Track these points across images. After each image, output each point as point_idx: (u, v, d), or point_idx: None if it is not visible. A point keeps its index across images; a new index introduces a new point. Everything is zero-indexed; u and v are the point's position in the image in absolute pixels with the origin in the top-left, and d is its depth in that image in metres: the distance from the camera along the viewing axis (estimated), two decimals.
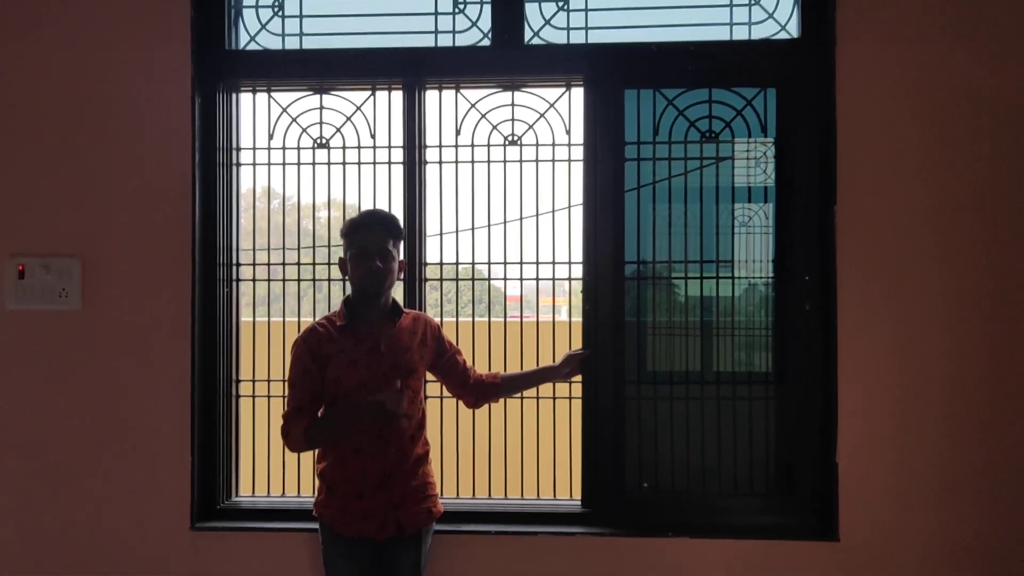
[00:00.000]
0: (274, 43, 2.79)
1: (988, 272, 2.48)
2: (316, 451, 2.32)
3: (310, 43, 2.78)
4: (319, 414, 2.25)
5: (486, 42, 2.71)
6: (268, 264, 2.84)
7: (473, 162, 2.76)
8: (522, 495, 2.81)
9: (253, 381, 2.84)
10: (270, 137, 2.81)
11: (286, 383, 2.26)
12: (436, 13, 2.74)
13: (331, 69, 2.73)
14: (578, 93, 2.70)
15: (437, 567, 2.53)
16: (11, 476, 2.66)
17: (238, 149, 2.82)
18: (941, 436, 2.49)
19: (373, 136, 2.78)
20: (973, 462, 2.48)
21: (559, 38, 2.71)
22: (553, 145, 2.75)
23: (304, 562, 2.58)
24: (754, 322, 2.71)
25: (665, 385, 2.67)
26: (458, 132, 2.76)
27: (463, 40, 2.73)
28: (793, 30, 2.66)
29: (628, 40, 2.67)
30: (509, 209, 2.75)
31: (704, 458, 2.65)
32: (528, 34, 2.70)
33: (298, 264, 2.84)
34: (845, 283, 2.51)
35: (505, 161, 2.77)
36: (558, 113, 2.74)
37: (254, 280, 2.84)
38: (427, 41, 2.74)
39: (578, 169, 2.70)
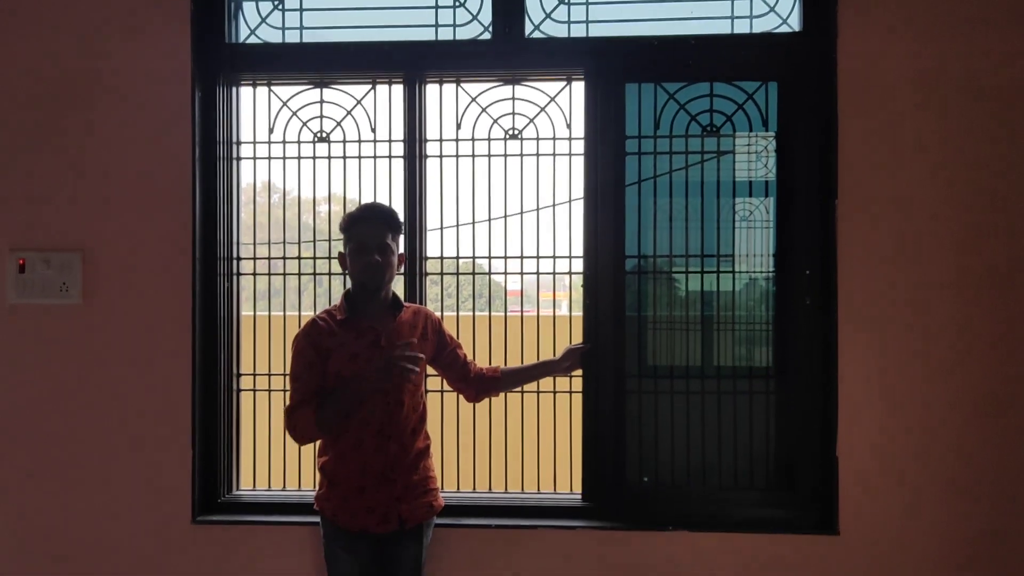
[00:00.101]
0: (274, 36, 2.78)
1: (991, 266, 2.48)
2: (317, 445, 2.33)
3: (310, 36, 2.78)
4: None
5: (487, 36, 2.71)
6: (268, 258, 2.84)
7: (473, 156, 2.76)
8: (523, 489, 2.81)
9: (254, 375, 2.84)
10: (270, 131, 2.81)
11: (288, 377, 2.26)
12: (436, 7, 2.73)
13: (331, 63, 2.73)
14: (579, 87, 2.70)
15: (438, 560, 2.54)
16: (12, 470, 2.66)
17: (238, 143, 2.82)
18: (941, 430, 2.49)
19: (373, 130, 2.78)
20: (974, 457, 2.49)
21: (560, 32, 2.70)
22: (554, 139, 2.75)
23: (305, 555, 2.59)
24: (755, 316, 2.71)
25: (666, 379, 2.67)
26: (458, 126, 2.76)
27: (463, 34, 2.72)
28: (795, 23, 2.65)
29: (629, 34, 2.66)
30: (509, 203, 2.76)
31: (704, 452, 2.66)
32: (529, 28, 2.69)
33: (299, 258, 2.84)
34: (846, 278, 2.51)
35: (506, 155, 2.76)
36: (559, 107, 2.74)
37: (254, 274, 2.84)
38: (427, 35, 2.73)
39: (579, 163, 2.70)
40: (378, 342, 2.24)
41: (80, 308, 2.64)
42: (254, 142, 2.82)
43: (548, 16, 2.70)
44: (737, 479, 2.66)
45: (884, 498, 2.50)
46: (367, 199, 2.72)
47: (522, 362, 2.63)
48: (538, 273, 2.81)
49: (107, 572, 2.65)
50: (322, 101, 2.79)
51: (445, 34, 2.73)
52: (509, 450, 2.77)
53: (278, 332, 2.78)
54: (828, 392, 2.55)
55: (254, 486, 2.83)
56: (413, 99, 2.71)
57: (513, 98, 2.75)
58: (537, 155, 2.75)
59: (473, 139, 2.76)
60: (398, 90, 2.74)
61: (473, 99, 2.75)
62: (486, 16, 2.70)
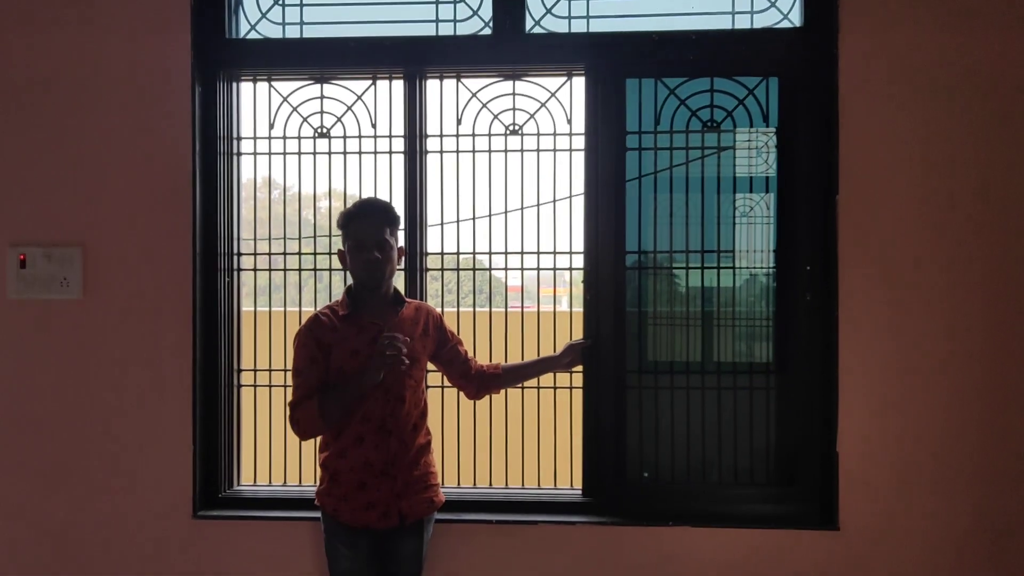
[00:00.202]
0: (275, 32, 2.78)
1: (990, 262, 2.48)
2: (319, 440, 2.33)
3: (311, 32, 2.77)
4: None
5: (487, 31, 2.70)
6: (269, 254, 2.85)
7: (474, 152, 2.76)
8: (523, 484, 2.82)
9: (254, 371, 2.84)
10: (271, 127, 2.81)
11: (292, 372, 2.25)
12: (437, 2, 2.73)
13: (332, 58, 2.72)
14: (579, 82, 2.69)
15: (438, 556, 2.54)
16: (12, 466, 2.67)
17: (239, 139, 2.81)
18: (941, 425, 2.49)
19: (374, 125, 2.78)
20: (973, 451, 2.49)
21: (560, 27, 2.70)
22: (554, 135, 2.75)
23: (306, 550, 2.60)
24: (755, 312, 2.71)
25: (666, 375, 2.67)
26: (459, 122, 2.75)
27: (464, 29, 2.72)
28: (795, 19, 2.65)
29: (630, 29, 2.66)
30: (510, 199, 2.76)
31: (704, 448, 2.66)
32: (529, 23, 2.69)
33: (299, 254, 2.84)
34: (846, 273, 2.51)
35: (506, 151, 2.76)
36: (559, 102, 2.74)
37: (255, 270, 2.84)
38: (428, 30, 2.73)
39: (579, 159, 2.70)
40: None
41: (81, 303, 2.64)
42: (254, 137, 2.81)
43: (548, 11, 2.70)
44: (737, 475, 2.66)
45: (884, 494, 2.51)
46: (367, 195, 2.72)
47: (522, 358, 2.63)
48: (538, 269, 2.81)
49: (108, 567, 2.65)
50: (322, 97, 2.78)
51: (446, 29, 2.73)
52: (509, 446, 2.77)
53: (278, 328, 2.79)
54: (828, 388, 2.55)
55: (255, 481, 2.84)
56: (413, 94, 2.71)
57: (514, 93, 2.75)
58: (537, 150, 2.75)
59: (473, 134, 2.76)
60: (398, 85, 2.74)
61: (473, 94, 2.75)
62: (487, 11, 2.70)
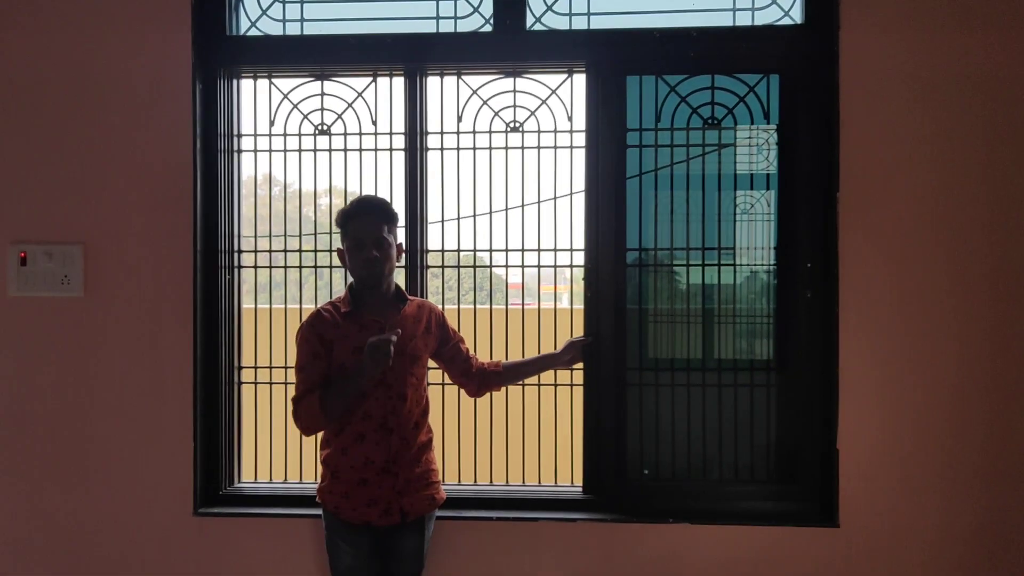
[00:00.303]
0: (275, 29, 2.77)
1: (992, 258, 2.48)
2: (320, 437, 2.33)
3: (311, 29, 2.77)
4: None
5: (488, 28, 2.70)
6: (269, 251, 2.84)
7: (475, 149, 2.76)
8: (524, 481, 2.82)
9: (255, 368, 2.84)
10: (271, 124, 2.80)
11: (295, 368, 2.25)
12: None
13: (332, 55, 2.72)
14: (580, 79, 2.69)
15: (439, 552, 2.55)
16: (13, 463, 2.67)
17: (239, 136, 2.81)
18: (942, 423, 2.49)
19: (374, 122, 2.78)
20: (974, 449, 2.49)
21: (561, 24, 2.69)
22: (555, 132, 2.75)
23: (307, 547, 2.60)
24: (755, 309, 2.71)
25: (666, 372, 2.67)
26: (459, 119, 2.75)
27: (464, 26, 2.72)
28: (796, 16, 2.64)
29: (630, 26, 2.65)
30: (510, 196, 2.75)
31: (705, 445, 2.66)
32: (530, 20, 2.69)
33: (299, 251, 2.84)
34: (847, 270, 2.51)
35: (507, 148, 2.76)
36: (560, 99, 2.73)
37: (255, 267, 2.84)
38: (428, 27, 2.73)
39: (580, 156, 2.70)
40: None
41: (81, 301, 2.64)
42: (255, 134, 2.81)
43: (549, 8, 2.69)
44: (738, 472, 2.67)
45: (885, 491, 2.51)
46: (368, 192, 2.72)
47: (523, 355, 2.63)
48: (539, 266, 2.81)
49: (109, 563, 2.65)
50: (323, 94, 2.78)
51: (446, 26, 2.72)
52: (510, 443, 2.78)
53: (279, 325, 2.79)
54: (829, 385, 2.55)
55: (255, 478, 2.84)
56: (414, 91, 2.71)
57: (514, 90, 2.74)
58: (538, 148, 2.75)
59: (474, 131, 2.75)
60: (399, 82, 2.73)
61: (474, 91, 2.75)
62: (487, 8, 2.69)
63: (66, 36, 2.63)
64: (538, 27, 2.69)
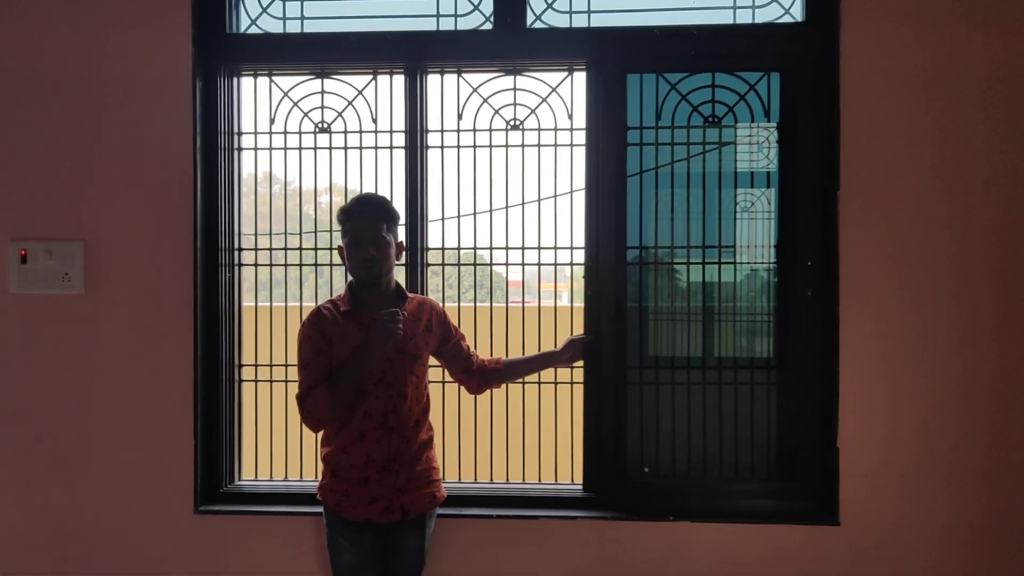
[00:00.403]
0: (275, 26, 2.77)
1: (994, 256, 2.47)
2: (320, 435, 2.33)
3: (311, 27, 2.77)
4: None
5: (488, 26, 2.70)
6: (270, 249, 2.85)
7: (475, 147, 2.76)
8: (524, 479, 2.82)
9: (255, 366, 2.84)
10: (271, 122, 2.80)
11: (298, 366, 2.24)
12: None
13: (332, 53, 2.72)
14: (580, 77, 2.69)
15: (440, 550, 2.55)
16: (14, 461, 2.67)
17: (239, 134, 2.81)
18: (943, 421, 2.49)
19: (374, 120, 2.78)
20: (975, 448, 2.49)
21: (561, 22, 2.69)
22: (555, 130, 2.74)
23: (307, 545, 2.60)
24: (756, 307, 2.71)
25: (667, 370, 2.67)
26: (460, 116, 2.75)
27: (465, 24, 2.71)
28: (797, 13, 2.64)
29: (631, 24, 2.65)
30: (511, 194, 2.75)
31: (705, 443, 2.66)
32: (530, 18, 2.69)
33: (300, 249, 2.84)
34: (847, 269, 2.50)
35: (507, 146, 2.76)
36: (560, 97, 2.73)
37: (256, 265, 2.84)
38: (429, 25, 2.72)
39: (580, 154, 2.70)
40: None
41: (82, 298, 2.64)
42: (255, 132, 2.81)
43: (549, 6, 2.69)
44: (738, 470, 2.67)
45: (885, 489, 2.51)
46: (368, 190, 2.71)
47: (523, 353, 2.63)
48: (539, 264, 2.81)
49: (109, 561, 2.66)
50: (323, 91, 2.78)
51: (446, 24, 2.72)
52: (511, 441, 2.78)
53: (279, 323, 2.79)
54: (829, 383, 2.55)
55: (256, 476, 2.84)
56: (414, 89, 2.71)
57: (515, 88, 2.74)
58: (538, 145, 2.75)
59: (474, 129, 2.75)
60: (399, 80, 2.73)
61: (474, 89, 2.75)
62: (487, 6, 2.69)
63: (66, 33, 2.63)
64: (538, 25, 2.69)
